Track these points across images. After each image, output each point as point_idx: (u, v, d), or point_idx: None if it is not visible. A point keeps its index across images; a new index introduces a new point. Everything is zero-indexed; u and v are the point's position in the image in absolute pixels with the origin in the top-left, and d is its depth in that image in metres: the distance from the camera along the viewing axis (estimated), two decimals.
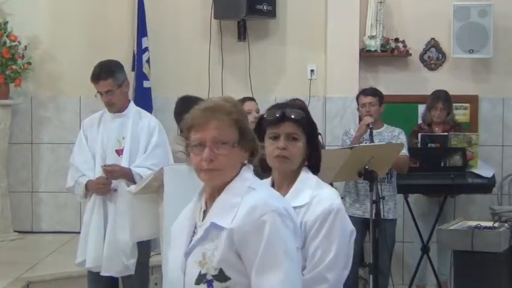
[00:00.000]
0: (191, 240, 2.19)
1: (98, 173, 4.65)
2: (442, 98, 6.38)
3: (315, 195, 2.57)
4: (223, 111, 2.16)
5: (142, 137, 4.70)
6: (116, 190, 4.63)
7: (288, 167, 2.59)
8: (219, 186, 2.18)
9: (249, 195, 2.14)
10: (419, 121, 6.71)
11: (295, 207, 2.38)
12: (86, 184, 4.65)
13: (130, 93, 5.80)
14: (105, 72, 4.68)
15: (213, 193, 2.20)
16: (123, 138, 4.69)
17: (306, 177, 2.61)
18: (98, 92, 4.70)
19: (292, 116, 2.57)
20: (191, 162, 2.18)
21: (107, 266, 4.61)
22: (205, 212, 2.21)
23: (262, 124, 2.62)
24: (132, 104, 4.87)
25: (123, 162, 4.63)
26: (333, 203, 2.55)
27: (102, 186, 4.61)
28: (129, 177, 4.57)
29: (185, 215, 2.30)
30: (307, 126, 2.62)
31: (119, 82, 4.69)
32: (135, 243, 4.61)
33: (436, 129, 6.42)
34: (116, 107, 4.73)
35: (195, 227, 2.22)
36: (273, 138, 2.57)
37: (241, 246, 2.07)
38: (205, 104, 2.19)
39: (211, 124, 2.13)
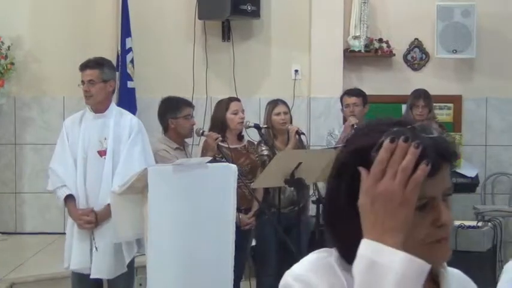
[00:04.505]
0: None
1: (80, 176, 4.61)
2: (422, 96, 6.40)
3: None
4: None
5: (124, 137, 4.68)
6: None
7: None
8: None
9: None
10: None
11: None
12: (64, 199, 4.61)
13: (115, 94, 5.77)
14: (94, 62, 4.72)
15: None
16: (105, 139, 4.66)
17: None
18: (81, 81, 4.70)
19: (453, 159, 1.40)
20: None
21: (97, 269, 4.57)
22: None
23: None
24: (113, 105, 4.85)
25: (107, 163, 4.59)
26: None
27: (83, 223, 4.58)
28: None
29: None
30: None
31: (104, 77, 4.68)
32: (122, 244, 4.58)
33: None
34: (93, 101, 4.68)
35: None
36: (422, 208, 1.33)
37: None
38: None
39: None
